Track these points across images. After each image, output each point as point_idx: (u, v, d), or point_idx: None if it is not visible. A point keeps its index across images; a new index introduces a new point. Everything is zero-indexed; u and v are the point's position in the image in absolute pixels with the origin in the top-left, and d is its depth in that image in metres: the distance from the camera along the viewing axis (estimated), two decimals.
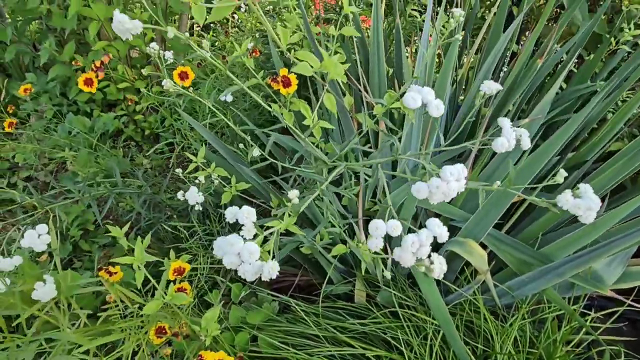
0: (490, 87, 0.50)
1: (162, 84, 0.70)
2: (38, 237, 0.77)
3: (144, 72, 1.34)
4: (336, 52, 1.32)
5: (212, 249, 1.28)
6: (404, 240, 0.41)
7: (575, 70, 1.40)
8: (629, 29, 1.12)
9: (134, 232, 1.44)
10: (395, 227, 0.42)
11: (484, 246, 0.93)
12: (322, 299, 1.05)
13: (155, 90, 1.66)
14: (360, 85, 1.11)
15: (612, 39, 1.19)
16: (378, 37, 1.03)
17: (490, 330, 0.92)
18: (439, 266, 0.43)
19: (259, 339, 0.93)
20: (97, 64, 1.40)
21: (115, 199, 1.44)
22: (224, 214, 1.44)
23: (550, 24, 1.20)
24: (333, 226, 0.74)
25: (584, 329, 0.92)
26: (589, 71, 1.21)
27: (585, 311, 0.96)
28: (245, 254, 0.37)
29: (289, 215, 0.49)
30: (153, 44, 0.91)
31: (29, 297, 0.82)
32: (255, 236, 0.40)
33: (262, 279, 0.39)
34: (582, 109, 0.80)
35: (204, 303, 1.06)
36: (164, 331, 0.85)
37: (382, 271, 0.55)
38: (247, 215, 0.41)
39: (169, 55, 1.23)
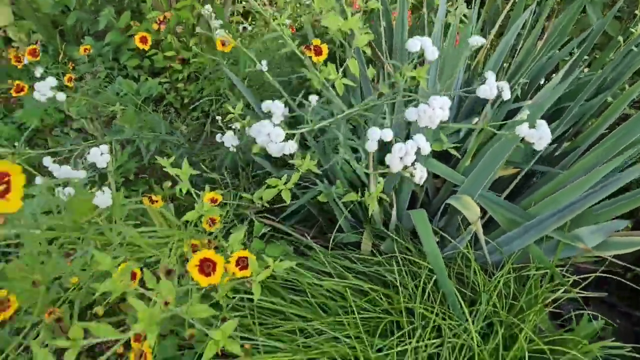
0: (477, 40, 0.62)
1: (216, 33, 0.84)
2: (101, 155, 0.93)
3: (192, 42, 1.50)
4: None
5: (240, 197, 1.42)
6: (393, 148, 0.54)
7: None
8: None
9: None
10: (387, 134, 0.55)
11: (482, 210, 1.05)
12: (334, 248, 1.19)
13: (199, 60, 1.84)
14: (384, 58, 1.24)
15: (621, 39, 1.28)
16: (403, 16, 1.16)
17: (478, 282, 1.04)
18: (420, 173, 0.56)
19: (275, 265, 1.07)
20: (161, 17, 1.58)
21: (158, 148, 1.62)
22: (251, 171, 1.58)
23: (551, 21, 1.30)
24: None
25: (562, 289, 1.02)
26: (598, 65, 1.31)
27: (567, 275, 1.06)
28: (273, 135, 0.51)
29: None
30: (207, 6, 1.06)
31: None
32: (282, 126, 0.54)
33: (285, 152, 0.53)
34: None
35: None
36: (196, 247, 1.00)
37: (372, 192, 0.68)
38: (278, 106, 0.55)
39: (217, 24, 1.38)
